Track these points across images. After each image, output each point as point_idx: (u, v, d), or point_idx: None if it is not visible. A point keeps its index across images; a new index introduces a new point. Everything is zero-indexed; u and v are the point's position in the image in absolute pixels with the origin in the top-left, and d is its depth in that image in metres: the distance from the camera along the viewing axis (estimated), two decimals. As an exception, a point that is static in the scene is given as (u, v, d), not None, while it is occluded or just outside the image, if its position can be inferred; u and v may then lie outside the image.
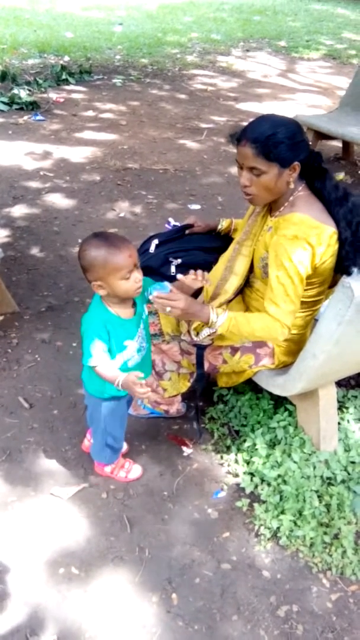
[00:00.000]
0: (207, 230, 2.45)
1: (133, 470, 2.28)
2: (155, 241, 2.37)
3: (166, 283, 1.90)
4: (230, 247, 2.24)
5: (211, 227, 2.46)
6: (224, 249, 2.27)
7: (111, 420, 2.06)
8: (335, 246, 1.93)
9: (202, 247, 2.34)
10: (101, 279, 1.74)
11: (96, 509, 2.14)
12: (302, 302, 2.05)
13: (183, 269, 2.23)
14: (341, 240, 1.93)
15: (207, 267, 2.26)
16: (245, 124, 1.98)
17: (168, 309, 1.90)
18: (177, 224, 2.47)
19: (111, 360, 1.85)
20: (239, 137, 1.94)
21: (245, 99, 7.10)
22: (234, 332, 1.99)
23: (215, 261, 2.26)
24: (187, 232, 2.43)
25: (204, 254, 2.31)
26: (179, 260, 2.26)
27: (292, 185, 1.96)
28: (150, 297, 1.88)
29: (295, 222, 1.91)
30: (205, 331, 2.10)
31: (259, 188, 1.96)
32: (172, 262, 2.25)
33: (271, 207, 2.11)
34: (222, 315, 1.97)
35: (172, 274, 2.22)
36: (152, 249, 2.35)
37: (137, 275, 1.76)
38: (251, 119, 2.00)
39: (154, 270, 2.26)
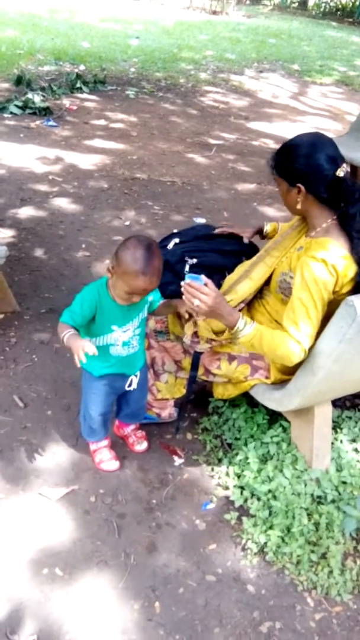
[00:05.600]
0: (252, 234, 2.44)
1: (107, 463, 2.30)
2: (176, 240, 2.36)
3: (202, 276, 1.87)
4: (258, 254, 2.23)
5: (255, 231, 2.45)
6: (239, 252, 2.26)
7: (86, 393, 2.18)
8: (353, 282, 1.91)
9: (219, 249, 2.32)
10: (115, 273, 1.86)
11: (84, 512, 2.13)
12: None
13: (197, 269, 2.20)
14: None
15: (221, 270, 2.25)
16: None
17: (196, 302, 1.85)
18: (202, 220, 2.41)
19: (94, 338, 2.01)
20: None
21: (255, 119, 7.16)
22: (254, 345, 1.95)
23: (231, 265, 2.25)
24: (217, 231, 2.42)
25: (221, 257, 2.28)
26: (194, 260, 2.23)
27: (299, 206, 1.97)
28: (182, 284, 1.88)
29: (326, 248, 1.88)
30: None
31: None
32: (187, 261, 2.22)
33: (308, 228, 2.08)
34: (250, 325, 1.94)
35: (186, 272, 2.18)
36: (170, 246, 2.34)
37: (136, 299, 1.89)
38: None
39: (169, 265, 2.22)
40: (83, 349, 1.78)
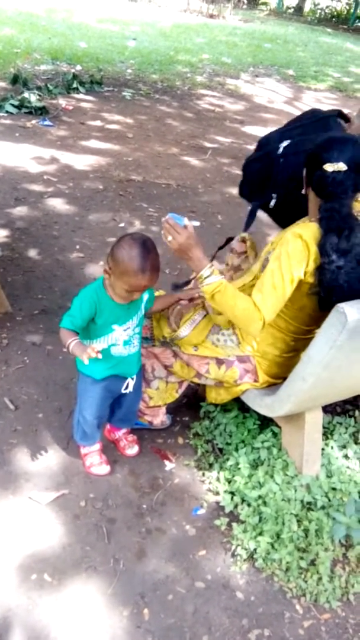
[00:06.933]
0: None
1: (98, 467, 2.29)
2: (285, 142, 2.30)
3: (185, 218, 1.95)
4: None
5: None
6: None
7: (82, 396, 2.16)
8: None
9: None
10: (113, 273, 1.86)
11: (74, 516, 2.12)
12: (284, 320, 2.06)
13: (291, 149, 2.22)
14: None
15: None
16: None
17: (169, 237, 1.93)
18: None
19: (96, 341, 2.01)
20: None
21: (251, 123, 7.18)
22: (215, 300, 1.95)
23: None
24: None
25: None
26: (288, 141, 2.21)
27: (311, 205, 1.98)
28: (163, 220, 1.95)
29: (308, 227, 1.90)
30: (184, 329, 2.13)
31: None
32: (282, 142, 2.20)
33: None
34: (215, 275, 1.94)
35: (279, 153, 2.19)
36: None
37: (136, 296, 1.91)
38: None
39: (261, 144, 2.24)
40: (92, 349, 1.78)
